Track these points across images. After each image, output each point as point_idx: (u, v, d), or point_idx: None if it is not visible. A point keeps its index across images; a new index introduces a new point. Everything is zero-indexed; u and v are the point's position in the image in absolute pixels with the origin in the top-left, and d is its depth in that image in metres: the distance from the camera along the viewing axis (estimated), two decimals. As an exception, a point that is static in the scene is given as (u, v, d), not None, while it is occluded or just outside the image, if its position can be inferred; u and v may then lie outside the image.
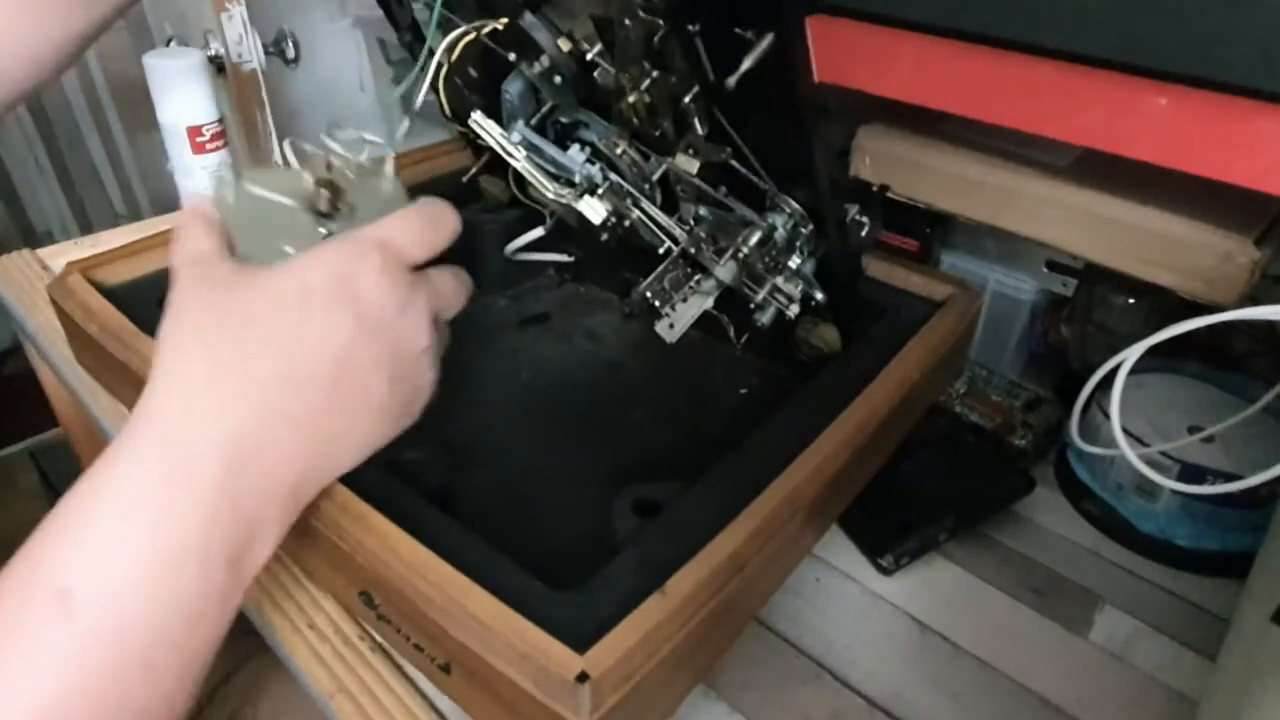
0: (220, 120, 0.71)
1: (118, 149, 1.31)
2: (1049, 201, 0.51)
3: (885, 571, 0.47)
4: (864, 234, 0.47)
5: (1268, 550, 0.41)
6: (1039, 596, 0.46)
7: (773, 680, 0.41)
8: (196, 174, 0.71)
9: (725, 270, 0.42)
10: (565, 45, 0.44)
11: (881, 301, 0.52)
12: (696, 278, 0.44)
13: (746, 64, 0.35)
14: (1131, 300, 0.54)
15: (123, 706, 0.26)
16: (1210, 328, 0.39)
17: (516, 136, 0.46)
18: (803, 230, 0.42)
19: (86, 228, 1.49)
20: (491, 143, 0.45)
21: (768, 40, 0.34)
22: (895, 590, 0.46)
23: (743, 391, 0.51)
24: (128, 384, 0.47)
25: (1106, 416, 0.45)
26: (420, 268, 0.36)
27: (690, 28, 0.36)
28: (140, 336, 0.45)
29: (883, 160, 0.58)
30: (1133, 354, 0.42)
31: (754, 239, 0.41)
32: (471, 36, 0.45)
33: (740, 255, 0.41)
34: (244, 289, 0.32)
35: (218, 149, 0.71)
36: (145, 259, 0.52)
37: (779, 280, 0.42)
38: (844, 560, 0.48)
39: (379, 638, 0.40)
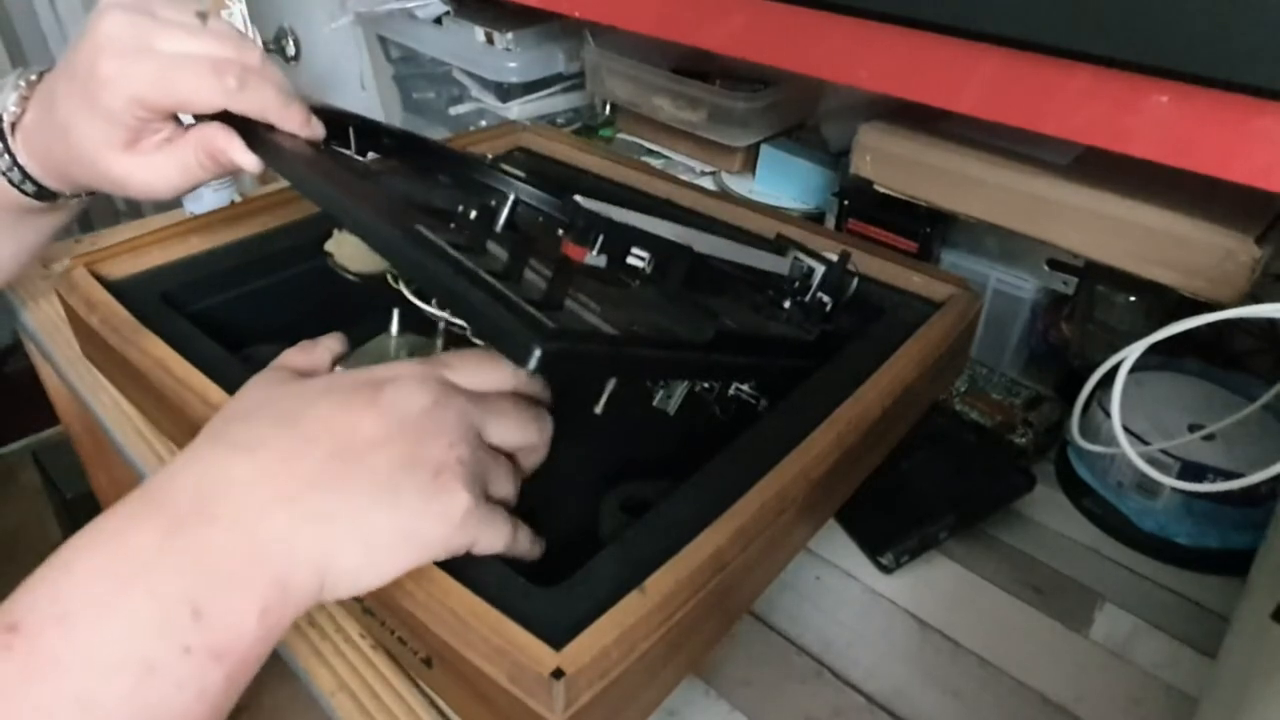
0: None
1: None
2: (1050, 200, 0.51)
3: (886, 569, 0.47)
4: (853, 285, 0.49)
5: (1268, 548, 0.41)
6: (1039, 594, 0.46)
7: (773, 678, 0.41)
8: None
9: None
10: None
11: (880, 302, 0.52)
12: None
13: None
14: (1132, 298, 0.54)
15: None
16: (1211, 326, 0.39)
17: None
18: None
19: (87, 225, 1.48)
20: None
21: None
22: (896, 588, 0.46)
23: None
24: (129, 377, 0.47)
25: (1107, 414, 0.45)
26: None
27: None
28: (141, 330, 0.45)
29: (883, 159, 0.58)
30: (1133, 352, 0.42)
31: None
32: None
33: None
34: (291, 383, 0.34)
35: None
36: (149, 253, 0.53)
37: (742, 386, 0.46)
38: (844, 558, 0.48)
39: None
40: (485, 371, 0.36)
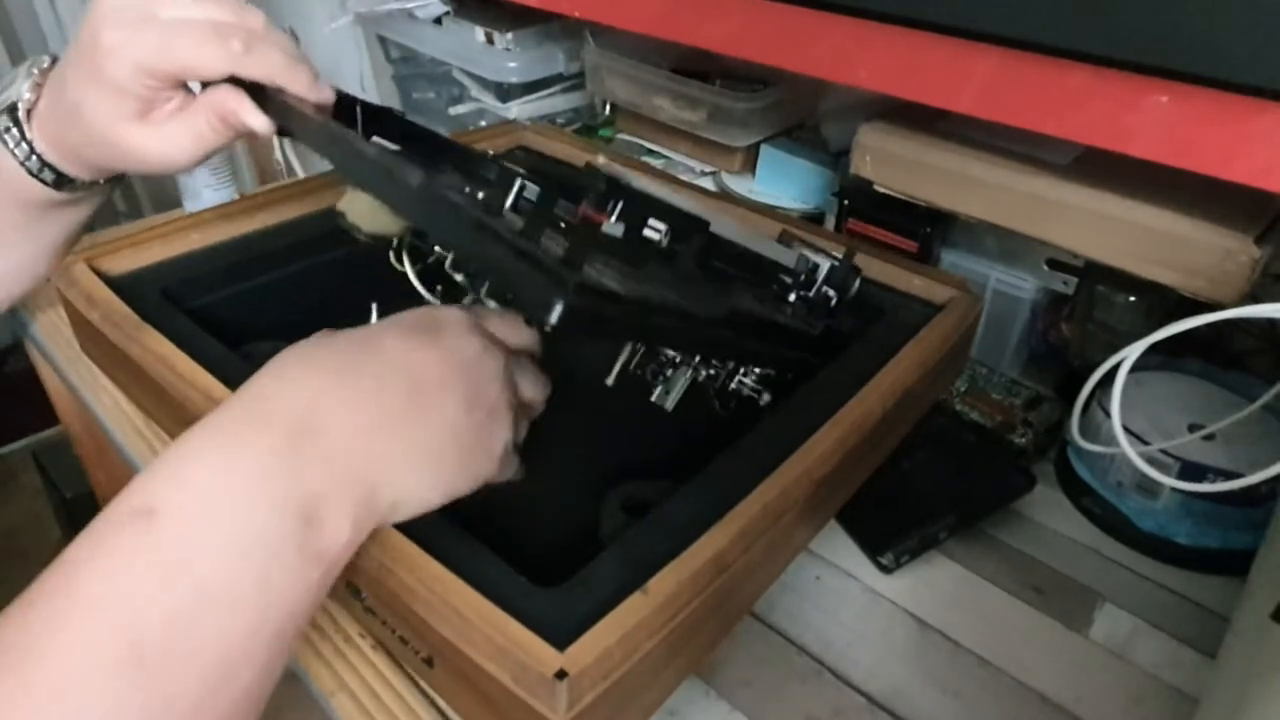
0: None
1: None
2: (1050, 200, 0.51)
3: (886, 570, 0.47)
4: (856, 283, 0.49)
5: (1268, 548, 0.41)
6: (1039, 594, 0.46)
7: (773, 678, 0.41)
8: (197, 171, 0.71)
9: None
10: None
11: (881, 303, 0.52)
12: (676, 359, 0.46)
13: None
14: (1132, 298, 0.54)
15: (197, 636, 0.26)
16: (1211, 326, 0.39)
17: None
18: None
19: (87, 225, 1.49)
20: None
21: None
22: (896, 588, 0.46)
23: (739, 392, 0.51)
24: (128, 373, 0.47)
25: (1107, 414, 0.45)
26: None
27: None
28: (142, 326, 0.45)
29: (883, 159, 0.58)
30: (1133, 352, 0.42)
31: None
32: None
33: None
34: (347, 330, 0.37)
35: (218, 147, 0.71)
36: (150, 249, 0.53)
37: (744, 378, 0.46)
38: (844, 558, 0.48)
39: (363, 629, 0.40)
40: (517, 330, 0.40)
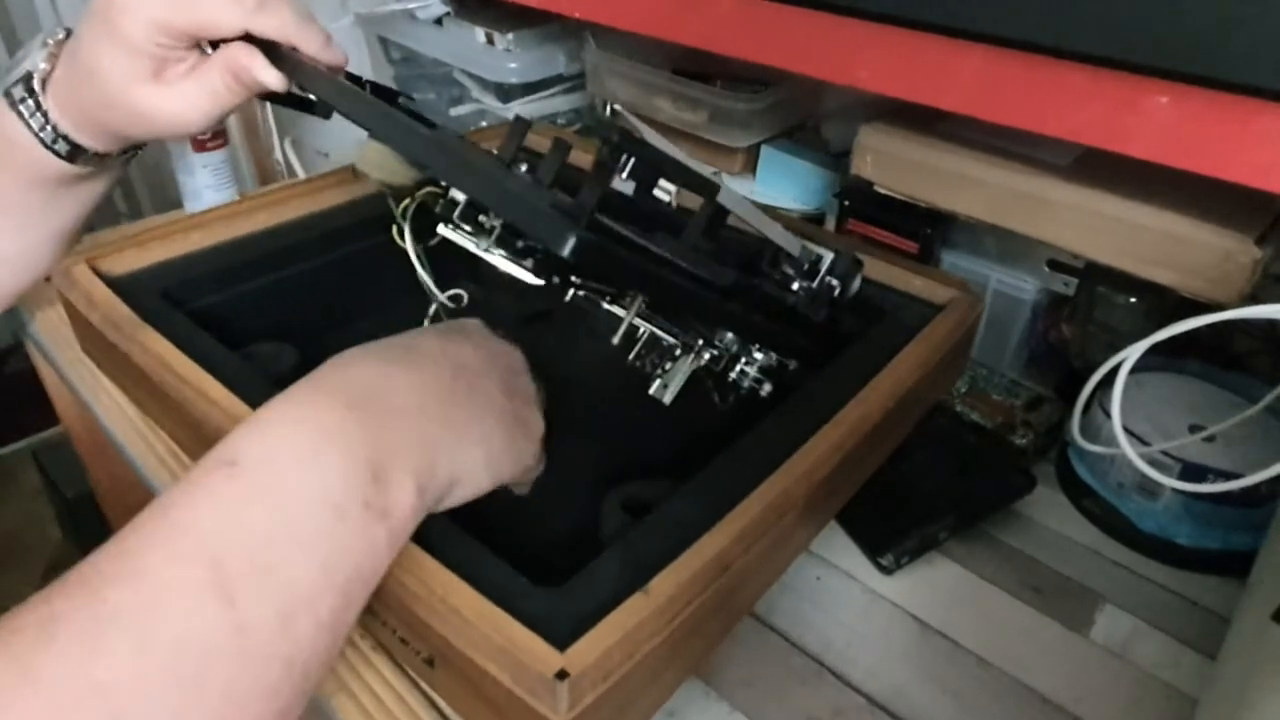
0: (221, 118, 0.71)
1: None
2: (1050, 200, 0.51)
3: (886, 570, 0.47)
4: (858, 279, 0.49)
5: (1268, 549, 0.41)
6: (1040, 595, 0.46)
7: (774, 679, 0.41)
8: (198, 172, 0.71)
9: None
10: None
11: (882, 304, 0.52)
12: (676, 350, 0.45)
13: None
14: (1132, 299, 0.54)
15: (271, 567, 0.28)
16: (1211, 327, 0.39)
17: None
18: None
19: (88, 226, 1.49)
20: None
21: None
22: (896, 589, 0.46)
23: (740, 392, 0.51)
24: (129, 374, 0.47)
25: (1108, 415, 0.45)
26: None
27: None
28: (142, 327, 0.45)
29: (884, 160, 0.58)
30: (1134, 353, 0.42)
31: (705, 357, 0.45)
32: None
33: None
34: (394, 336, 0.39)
35: (218, 147, 0.71)
36: (150, 250, 0.53)
37: (746, 367, 0.46)
38: (845, 559, 0.48)
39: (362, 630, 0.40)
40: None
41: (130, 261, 0.52)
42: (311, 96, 0.47)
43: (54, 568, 0.95)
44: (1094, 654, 0.43)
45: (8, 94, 0.45)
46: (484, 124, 0.90)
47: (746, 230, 0.56)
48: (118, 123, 0.45)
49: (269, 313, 0.53)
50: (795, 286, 0.47)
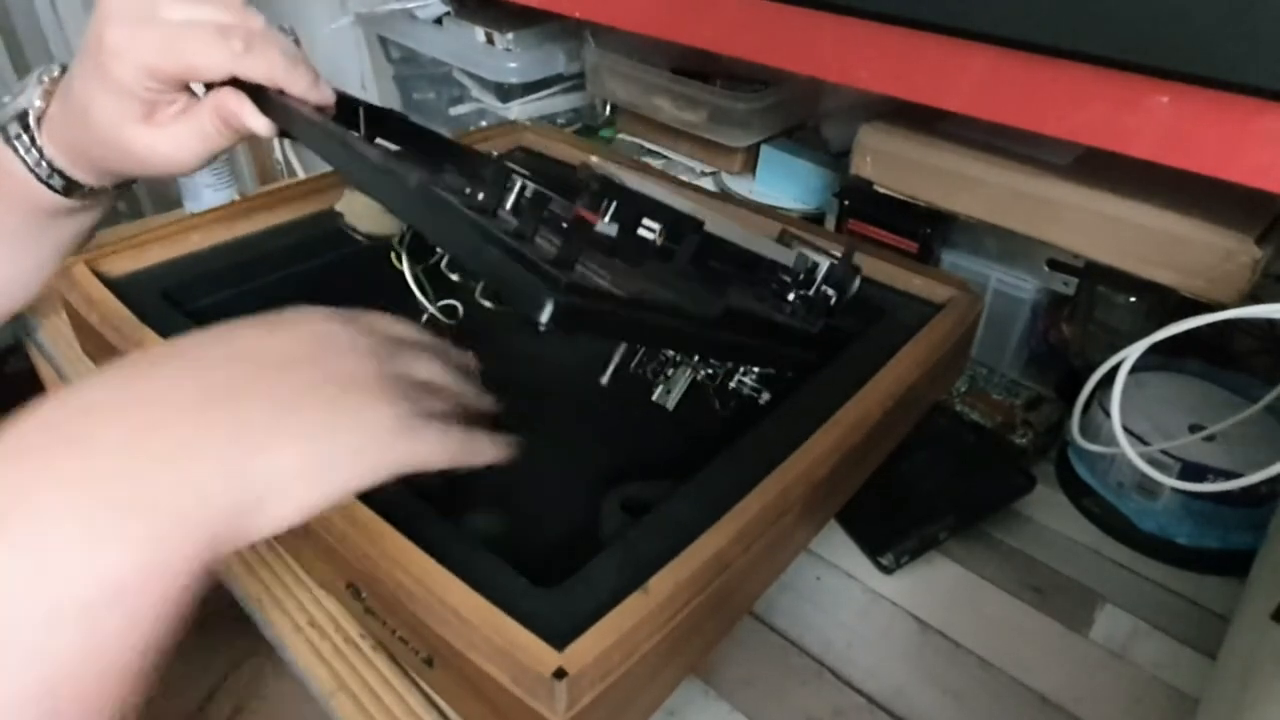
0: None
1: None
2: (1050, 200, 0.51)
3: (886, 570, 0.47)
4: (856, 282, 0.49)
5: (1268, 548, 0.41)
6: (1039, 595, 0.46)
7: (774, 679, 0.41)
8: (198, 172, 0.71)
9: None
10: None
11: (881, 303, 0.52)
12: (677, 358, 0.46)
13: None
14: (1132, 299, 0.54)
15: None
16: (1211, 326, 0.39)
17: None
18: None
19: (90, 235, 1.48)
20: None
21: None
22: (896, 589, 0.46)
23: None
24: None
25: (1107, 415, 0.45)
26: None
27: None
28: (141, 327, 0.45)
29: (884, 159, 0.58)
30: (1134, 352, 0.42)
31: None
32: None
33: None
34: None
35: (218, 147, 0.71)
36: (150, 250, 0.53)
37: (744, 378, 0.46)
38: (845, 559, 0.48)
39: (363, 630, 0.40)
40: (392, 323, 0.36)
41: (130, 262, 0.52)
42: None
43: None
44: (1094, 654, 0.43)
45: (3, 130, 0.46)
46: (484, 123, 0.90)
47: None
48: (110, 161, 0.46)
49: (269, 313, 0.53)
50: (791, 297, 0.48)
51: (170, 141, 0.44)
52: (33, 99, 0.46)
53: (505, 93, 0.88)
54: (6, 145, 0.46)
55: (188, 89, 0.45)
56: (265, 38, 0.43)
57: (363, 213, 0.53)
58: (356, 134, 0.50)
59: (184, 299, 0.50)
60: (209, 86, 0.44)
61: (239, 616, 0.43)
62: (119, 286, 0.49)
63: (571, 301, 0.29)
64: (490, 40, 0.87)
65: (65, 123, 0.45)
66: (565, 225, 0.36)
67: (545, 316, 0.29)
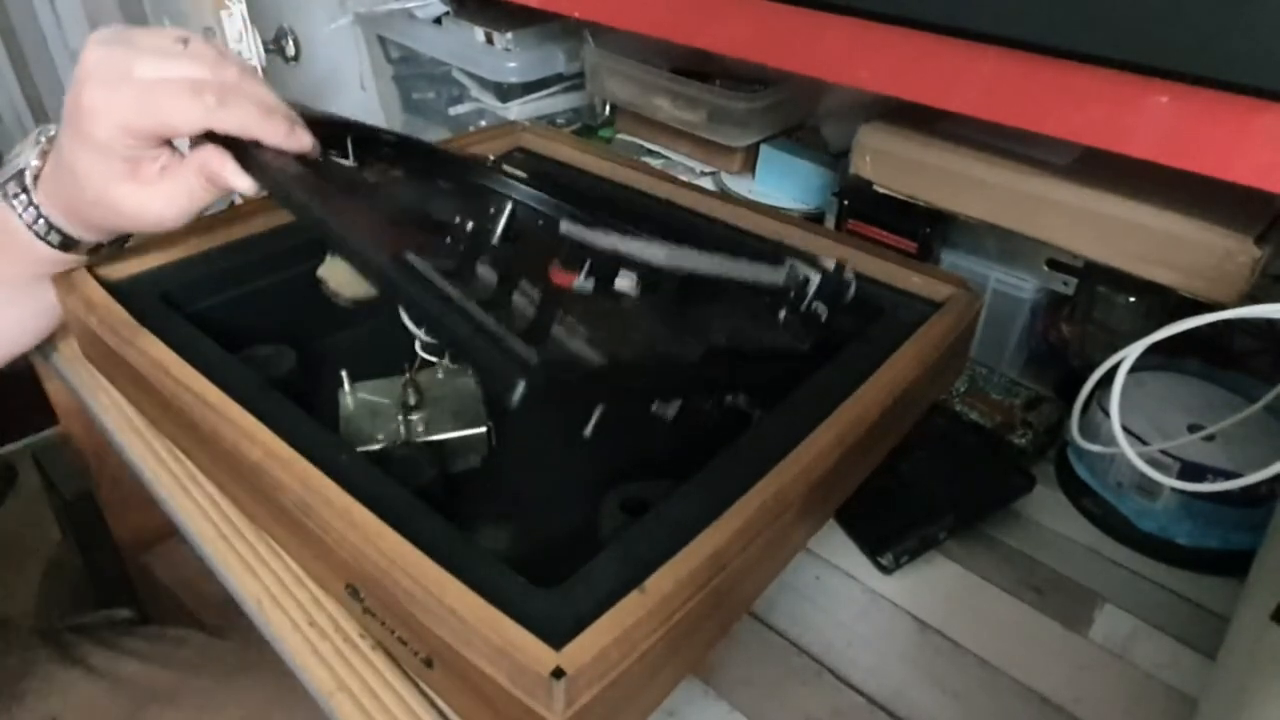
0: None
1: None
2: (1050, 200, 0.51)
3: (885, 570, 0.47)
4: (850, 292, 0.49)
5: (1268, 548, 0.41)
6: (1039, 595, 0.46)
7: (773, 679, 0.41)
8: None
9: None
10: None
11: (880, 302, 0.52)
12: None
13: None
14: (1132, 298, 0.54)
15: None
16: (1210, 326, 0.39)
17: None
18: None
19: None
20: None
21: None
22: (895, 589, 0.46)
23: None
24: (128, 378, 0.47)
25: (1107, 415, 0.45)
26: None
27: None
28: (140, 331, 0.45)
29: (883, 159, 0.58)
30: (1133, 352, 0.42)
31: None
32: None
33: None
34: None
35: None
36: (149, 254, 0.53)
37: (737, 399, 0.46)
38: (844, 559, 0.48)
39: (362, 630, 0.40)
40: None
41: (129, 265, 0.52)
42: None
43: (53, 568, 0.96)
44: (1093, 654, 0.43)
45: (3, 189, 0.47)
46: (483, 123, 0.90)
47: (742, 229, 0.56)
48: (102, 218, 0.47)
49: (268, 315, 0.53)
50: (781, 314, 0.47)
51: (158, 199, 0.45)
52: (30, 158, 0.47)
53: (505, 92, 0.88)
54: (5, 203, 0.47)
55: (169, 144, 0.45)
56: (239, 91, 0.44)
57: (344, 279, 0.54)
58: (346, 159, 0.50)
59: (184, 302, 0.50)
60: (195, 143, 0.45)
61: (233, 619, 0.43)
62: (118, 290, 0.49)
63: (543, 381, 0.31)
64: (490, 40, 0.87)
65: (58, 182, 0.46)
66: (542, 289, 0.36)
67: (517, 398, 0.30)
